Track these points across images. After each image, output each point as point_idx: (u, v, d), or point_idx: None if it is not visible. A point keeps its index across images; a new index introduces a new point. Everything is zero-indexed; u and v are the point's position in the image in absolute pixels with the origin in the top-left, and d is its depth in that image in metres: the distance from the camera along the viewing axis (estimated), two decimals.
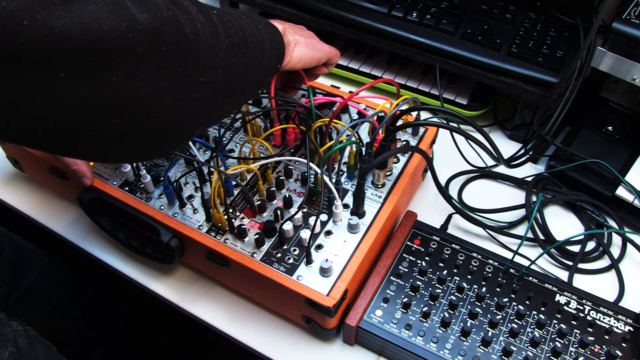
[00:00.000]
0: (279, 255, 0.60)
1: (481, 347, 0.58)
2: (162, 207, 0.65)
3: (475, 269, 0.64)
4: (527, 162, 0.78)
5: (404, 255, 0.66)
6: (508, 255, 0.66)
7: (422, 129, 0.73)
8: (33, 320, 0.83)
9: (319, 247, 0.61)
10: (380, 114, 0.71)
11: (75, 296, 0.94)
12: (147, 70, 0.36)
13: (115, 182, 0.67)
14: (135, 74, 0.35)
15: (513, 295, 0.62)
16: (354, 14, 0.85)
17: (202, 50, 0.41)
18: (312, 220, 0.62)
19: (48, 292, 0.87)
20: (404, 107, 0.63)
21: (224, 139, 0.71)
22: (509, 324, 0.60)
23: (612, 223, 0.74)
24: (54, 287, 0.88)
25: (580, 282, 0.68)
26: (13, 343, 0.65)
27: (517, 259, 0.65)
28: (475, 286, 0.63)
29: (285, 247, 0.61)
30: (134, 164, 0.67)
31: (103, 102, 0.35)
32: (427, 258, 0.65)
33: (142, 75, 0.36)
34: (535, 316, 0.60)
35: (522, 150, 0.80)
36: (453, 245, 0.67)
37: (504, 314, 0.61)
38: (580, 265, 0.70)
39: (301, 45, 0.62)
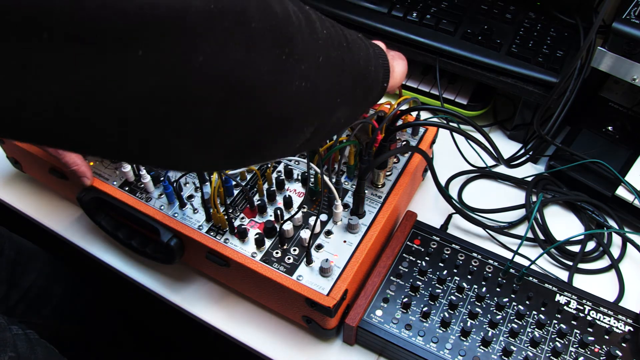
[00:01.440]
0: (279, 255, 0.60)
1: (481, 347, 0.58)
2: (162, 207, 0.65)
3: (475, 269, 0.64)
4: (527, 162, 0.78)
5: (404, 255, 0.66)
6: (508, 255, 0.66)
7: (422, 129, 0.73)
8: (33, 320, 0.83)
9: (319, 247, 0.61)
10: (380, 114, 0.71)
11: (75, 296, 0.94)
12: (238, 50, 0.30)
13: (115, 182, 0.67)
14: (224, 54, 0.29)
15: (513, 295, 0.62)
16: (354, 14, 0.85)
17: (297, 34, 0.35)
18: (312, 220, 0.62)
19: (48, 292, 0.87)
20: (404, 107, 0.63)
21: None
22: (509, 324, 0.60)
23: (612, 223, 0.74)
24: (54, 287, 0.88)
25: (580, 282, 0.68)
26: (12, 348, 0.64)
27: (517, 259, 0.65)
28: (475, 286, 0.63)
29: (285, 247, 0.61)
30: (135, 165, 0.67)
31: (191, 85, 0.29)
32: (427, 258, 0.65)
33: (233, 54, 0.30)
34: (535, 316, 0.60)
35: (522, 150, 0.80)
36: (453, 245, 0.67)
37: (504, 314, 0.61)
38: (580, 265, 0.70)
39: (394, 59, 0.55)
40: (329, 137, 0.45)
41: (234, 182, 0.66)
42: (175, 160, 0.35)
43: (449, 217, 0.74)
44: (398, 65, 0.57)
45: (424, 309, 0.60)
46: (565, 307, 0.61)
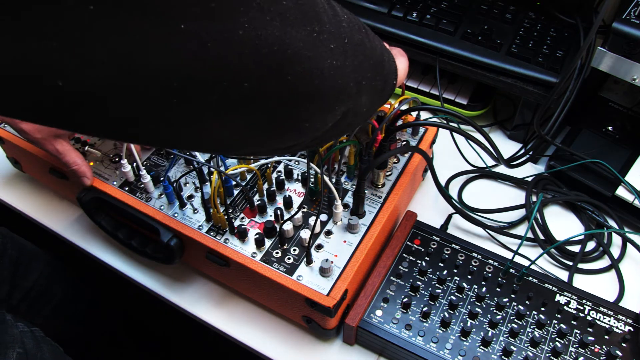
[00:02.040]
0: (279, 255, 0.60)
1: (481, 347, 0.58)
2: (162, 207, 0.65)
3: (475, 269, 0.64)
4: (527, 162, 0.78)
5: (404, 255, 0.66)
6: (508, 255, 0.66)
7: (422, 129, 0.73)
8: (35, 320, 0.83)
9: (319, 247, 0.61)
10: (380, 114, 0.71)
11: (75, 296, 0.94)
12: (273, 24, 0.31)
13: (115, 182, 0.67)
14: (262, 27, 0.30)
15: (513, 295, 0.62)
16: (354, 14, 0.85)
17: (324, 15, 0.36)
18: (312, 220, 0.62)
19: (49, 292, 0.87)
20: (404, 107, 0.63)
21: None
22: (509, 324, 0.60)
23: (612, 223, 0.74)
24: (55, 287, 0.88)
25: (580, 282, 0.68)
26: (20, 344, 0.65)
27: (517, 259, 0.65)
28: (475, 286, 0.63)
29: (285, 247, 0.61)
30: (136, 163, 0.67)
31: (232, 59, 0.30)
32: (427, 258, 0.65)
33: (270, 28, 0.31)
34: (535, 316, 0.60)
35: (522, 150, 0.80)
36: (453, 245, 0.67)
37: (504, 314, 0.61)
38: (580, 265, 0.70)
39: (397, 57, 0.55)
40: (352, 128, 0.46)
41: (234, 182, 0.66)
42: (209, 139, 0.35)
43: (449, 217, 0.74)
44: (400, 62, 0.57)
45: (424, 309, 0.60)
46: (565, 307, 0.61)
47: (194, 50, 0.28)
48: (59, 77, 0.26)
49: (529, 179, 0.78)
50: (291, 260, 0.60)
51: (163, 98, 0.29)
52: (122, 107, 0.29)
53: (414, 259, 0.65)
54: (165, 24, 0.26)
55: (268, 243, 0.61)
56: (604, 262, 0.71)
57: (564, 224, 0.75)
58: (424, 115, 0.79)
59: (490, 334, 0.59)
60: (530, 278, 0.64)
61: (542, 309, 0.61)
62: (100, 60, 0.26)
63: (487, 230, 0.73)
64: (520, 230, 0.74)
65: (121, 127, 0.31)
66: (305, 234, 0.60)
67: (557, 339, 0.59)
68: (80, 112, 0.28)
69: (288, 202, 0.64)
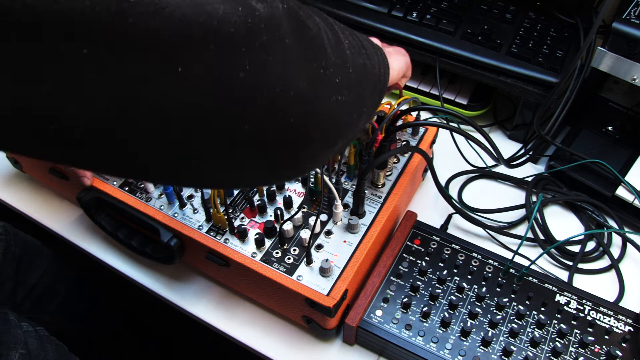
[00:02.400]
0: (279, 255, 0.60)
1: (481, 347, 0.58)
2: (162, 207, 0.65)
3: (475, 269, 0.64)
4: (527, 162, 0.78)
5: (404, 255, 0.65)
6: (508, 255, 0.66)
7: (422, 129, 0.73)
8: (39, 317, 0.83)
9: (319, 247, 0.61)
10: (380, 114, 0.71)
11: (78, 295, 0.94)
12: (276, 65, 0.30)
13: (115, 182, 0.67)
14: (264, 68, 0.30)
15: (513, 295, 0.62)
16: (354, 14, 0.85)
17: (329, 47, 0.35)
18: (312, 220, 0.62)
19: (53, 290, 0.87)
20: (404, 107, 0.63)
21: None
22: (509, 324, 0.60)
23: (612, 223, 0.74)
24: (58, 285, 0.88)
25: (580, 282, 0.68)
26: (23, 345, 0.65)
27: (517, 259, 0.65)
28: (475, 286, 0.63)
29: (285, 247, 0.61)
30: None
31: (232, 103, 0.29)
32: (427, 258, 0.65)
33: (272, 69, 0.30)
34: (535, 316, 0.60)
35: (522, 150, 0.80)
36: (453, 245, 0.67)
37: (504, 314, 0.61)
38: (580, 265, 0.70)
39: (391, 56, 0.54)
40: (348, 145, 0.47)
41: None
42: (210, 178, 0.34)
43: (449, 217, 0.74)
44: (395, 61, 0.57)
45: (424, 309, 0.60)
46: (565, 307, 0.61)
47: (192, 93, 0.27)
48: (53, 121, 0.25)
49: (529, 179, 0.78)
50: (291, 260, 0.60)
51: (162, 138, 0.28)
52: (121, 147, 0.28)
53: (414, 259, 0.65)
54: (162, 68, 0.26)
55: (268, 243, 0.61)
56: (604, 262, 0.71)
57: (564, 224, 0.75)
58: (424, 115, 0.79)
59: (490, 334, 0.59)
60: (530, 278, 0.64)
61: (542, 309, 0.61)
62: (96, 104, 0.25)
63: (487, 230, 0.73)
64: (520, 230, 0.74)
65: (126, 166, 0.30)
66: (305, 234, 0.60)
67: (557, 339, 0.59)
68: (81, 152, 0.28)
69: (288, 202, 0.64)
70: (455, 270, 0.64)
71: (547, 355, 0.57)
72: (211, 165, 0.32)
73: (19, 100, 0.24)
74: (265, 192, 0.65)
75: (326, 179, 0.61)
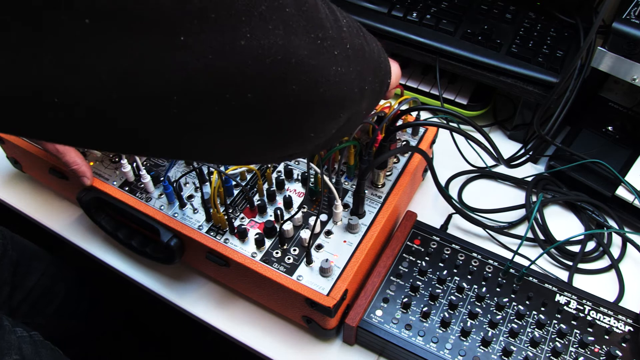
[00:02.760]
0: (279, 255, 0.60)
1: (481, 347, 0.58)
2: (162, 207, 0.65)
3: (475, 269, 0.64)
4: (527, 162, 0.78)
5: (404, 255, 0.65)
6: (508, 255, 0.66)
7: (422, 129, 0.73)
8: (36, 320, 0.83)
9: (319, 247, 0.61)
10: (380, 114, 0.71)
11: (78, 296, 0.94)
12: (276, 33, 0.30)
13: (115, 182, 0.67)
14: (264, 36, 0.30)
15: (513, 295, 0.62)
16: (354, 14, 0.85)
17: (326, 22, 0.35)
18: (312, 220, 0.62)
19: (51, 292, 0.87)
20: (404, 107, 0.63)
21: None
22: (509, 324, 0.60)
23: (612, 223, 0.74)
24: (57, 287, 0.88)
25: (580, 282, 0.68)
26: (17, 351, 0.64)
27: (517, 259, 0.65)
28: (475, 286, 0.63)
29: (285, 247, 0.61)
30: (136, 163, 0.67)
31: (234, 70, 0.29)
32: (427, 258, 0.65)
33: (273, 37, 0.30)
34: (535, 316, 0.60)
35: (522, 150, 0.80)
36: (453, 245, 0.67)
37: (504, 314, 0.61)
38: (580, 265, 0.70)
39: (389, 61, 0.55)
40: (352, 131, 0.46)
41: (234, 182, 0.66)
42: (211, 149, 0.35)
43: (449, 217, 0.74)
44: (394, 65, 0.57)
45: (424, 309, 0.60)
46: (565, 307, 0.61)
47: (194, 62, 0.27)
48: (56, 94, 0.25)
49: (529, 179, 0.78)
50: (291, 260, 0.60)
51: (164, 110, 0.28)
52: (123, 120, 0.28)
53: (414, 259, 0.65)
54: (164, 38, 0.26)
55: (268, 243, 0.61)
56: (604, 262, 0.71)
57: (564, 224, 0.75)
58: (424, 115, 0.79)
59: (490, 334, 0.59)
60: (530, 278, 0.64)
61: (542, 309, 0.61)
62: (98, 75, 0.25)
63: (487, 230, 0.73)
64: (520, 230, 0.74)
65: (127, 140, 0.31)
66: (305, 234, 0.60)
67: (557, 339, 0.59)
68: (83, 127, 0.28)
69: (288, 202, 0.64)
70: (455, 270, 0.64)
71: (547, 355, 0.57)
72: (214, 138, 0.32)
73: (20, 77, 0.24)
74: (265, 192, 0.65)
75: (326, 179, 0.61)
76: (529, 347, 0.58)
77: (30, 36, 0.23)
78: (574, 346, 0.58)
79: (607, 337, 0.59)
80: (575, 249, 0.72)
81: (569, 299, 0.62)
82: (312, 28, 0.34)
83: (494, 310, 0.61)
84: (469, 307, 0.61)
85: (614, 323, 0.60)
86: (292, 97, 0.33)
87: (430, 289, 0.62)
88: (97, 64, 0.25)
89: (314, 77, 0.34)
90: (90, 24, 0.23)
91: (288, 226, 0.61)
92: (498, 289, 0.63)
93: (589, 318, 0.61)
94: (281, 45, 0.31)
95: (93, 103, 0.26)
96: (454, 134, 0.82)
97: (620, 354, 0.57)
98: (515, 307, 0.61)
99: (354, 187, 0.63)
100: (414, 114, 0.72)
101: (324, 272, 0.58)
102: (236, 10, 0.28)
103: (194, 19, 0.26)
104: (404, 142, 0.72)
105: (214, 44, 0.28)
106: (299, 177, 0.68)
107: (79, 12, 0.23)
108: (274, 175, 0.68)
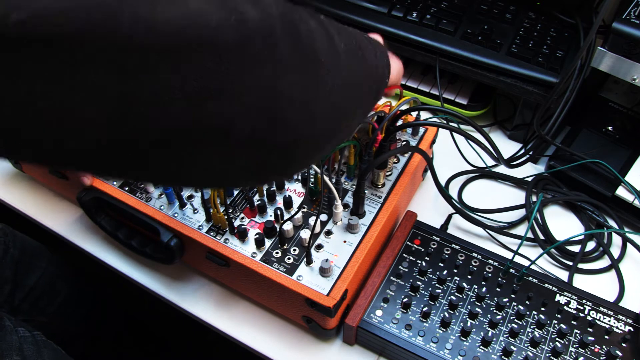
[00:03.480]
0: (279, 255, 0.60)
1: (481, 347, 0.58)
2: (162, 207, 0.65)
3: (475, 269, 0.64)
4: (527, 162, 0.78)
5: (404, 255, 0.65)
6: (508, 255, 0.66)
7: (422, 129, 0.73)
8: (38, 319, 0.83)
9: (319, 247, 0.61)
10: (380, 114, 0.71)
11: (78, 295, 0.94)
12: (268, 72, 0.31)
13: (115, 182, 0.67)
14: (257, 78, 0.31)
15: (513, 295, 0.62)
16: (354, 14, 0.85)
17: (322, 53, 0.36)
18: (312, 220, 0.62)
19: (52, 291, 0.87)
20: (404, 107, 0.63)
21: None
22: (509, 324, 0.60)
23: (612, 223, 0.74)
24: (59, 285, 0.88)
25: (580, 282, 0.68)
26: (18, 351, 0.64)
27: (517, 259, 0.65)
28: (475, 286, 0.63)
29: (285, 247, 0.61)
30: None
31: (226, 110, 0.30)
32: (427, 258, 0.65)
33: (265, 77, 0.31)
34: (535, 316, 0.60)
35: (522, 150, 0.80)
36: (453, 245, 0.67)
37: (504, 314, 0.61)
38: (580, 265, 0.70)
39: (391, 58, 0.54)
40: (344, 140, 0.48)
41: None
42: (191, 179, 0.36)
43: (449, 217, 0.74)
44: (395, 63, 0.57)
45: (424, 309, 0.60)
46: (565, 307, 0.61)
47: (185, 103, 0.28)
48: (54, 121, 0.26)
49: (529, 179, 0.78)
50: (291, 260, 0.60)
51: (144, 149, 0.29)
52: (108, 150, 0.29)
53: (414, 259, 0.65)
54: (155, 79, 0.26)
55: (268, 243, 0.61)
56: (604, 262, 0.71)
57: (564, 224, 0.75)
58: (424, 115, 0.79)
59: (490, 334, 0.59)
60: (530, 278, 0.64)
61: (542, 309, 0.61)
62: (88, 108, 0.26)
63: (487, 230, 0.73)
64: (520, 230, 0.74)
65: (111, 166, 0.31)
66: (305, 234, 0.60)
67: (557, 339, 0.59)
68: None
69: (288, 202, 0.64)
70: (455, 270, 0.64)
71: (547, 355, 0.57)
72: (200, 168, 0.33)
73: (19, 104, 0.25)
74: (265, 192, 0.65)
75: (326, 179, 0.61)
76: (529, 347, 0.58)
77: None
78: (574, 346, 0.58)
79: (607, 337, 0.59)
80: (575, 249, 0.72)
81: (569, 299, 0.62)
82: (305, 63, 0.34)
83: (494, 310, 0.61)
84: (469, 307, 0.61)
85: (614, 323, 0.60)
86: (279, 131, 0.34)
87: (430, 289, 0.62)
88: (89, 95, 0.26)
89: (303, 113, 0.34)
90: (86, 57, 0.25)
91: (288, 226, 0.61)
92: (498, 289, 0.63)
93: (589, 318, 0.61)
94: (272, 84, 0.32)
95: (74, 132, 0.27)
96: (454, 134, 0.82)
97: (620, 354, 0.57)
98: (515, 307, 0.61)
99: (354, 187, 0.63)
100: (414, 114, 0.72)
101: (324, 272, 0.58)
102: (226, 48, 0.29)
103: (188, 59, 0.27)
104: (404, 142, 0.72)
105: (204, 84, 0.28)
106: (299, 177, 0.68)
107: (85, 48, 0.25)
108: None
